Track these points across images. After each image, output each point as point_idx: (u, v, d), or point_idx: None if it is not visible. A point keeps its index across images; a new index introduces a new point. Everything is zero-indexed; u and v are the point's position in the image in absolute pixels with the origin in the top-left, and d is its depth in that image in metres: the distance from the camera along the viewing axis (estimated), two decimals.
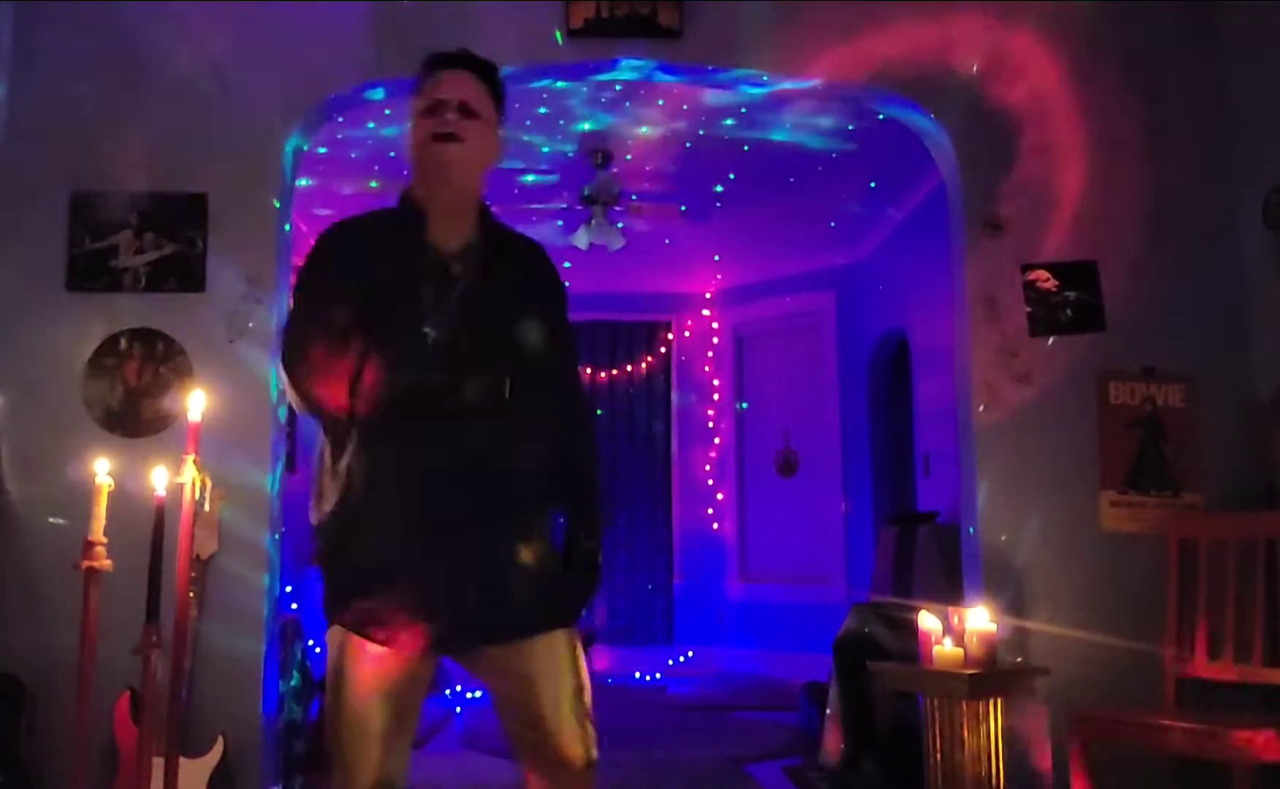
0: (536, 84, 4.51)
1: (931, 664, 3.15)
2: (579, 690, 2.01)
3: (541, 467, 2.06)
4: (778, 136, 5.65)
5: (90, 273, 3.64)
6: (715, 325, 8.72)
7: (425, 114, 2.01)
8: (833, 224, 7.13)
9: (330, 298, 1.93)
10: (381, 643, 1.92)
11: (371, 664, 1.93)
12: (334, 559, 1.99)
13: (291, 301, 2.09)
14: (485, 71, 2.08)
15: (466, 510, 1.94)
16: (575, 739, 1.99)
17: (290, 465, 4.82)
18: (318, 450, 2.04)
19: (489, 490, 1.96)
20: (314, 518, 2.02)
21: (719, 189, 6.41)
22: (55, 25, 3.76)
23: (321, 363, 1.92)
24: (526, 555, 2.00)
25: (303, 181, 5.50)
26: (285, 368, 1.98)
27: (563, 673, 2.00)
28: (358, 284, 1.94)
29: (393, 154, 5.78)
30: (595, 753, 2.02)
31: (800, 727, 5.69)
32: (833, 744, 4.72)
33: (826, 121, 5.41)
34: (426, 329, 1.95)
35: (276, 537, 3.72)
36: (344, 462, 1.95)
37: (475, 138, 2.01)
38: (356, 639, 1.94)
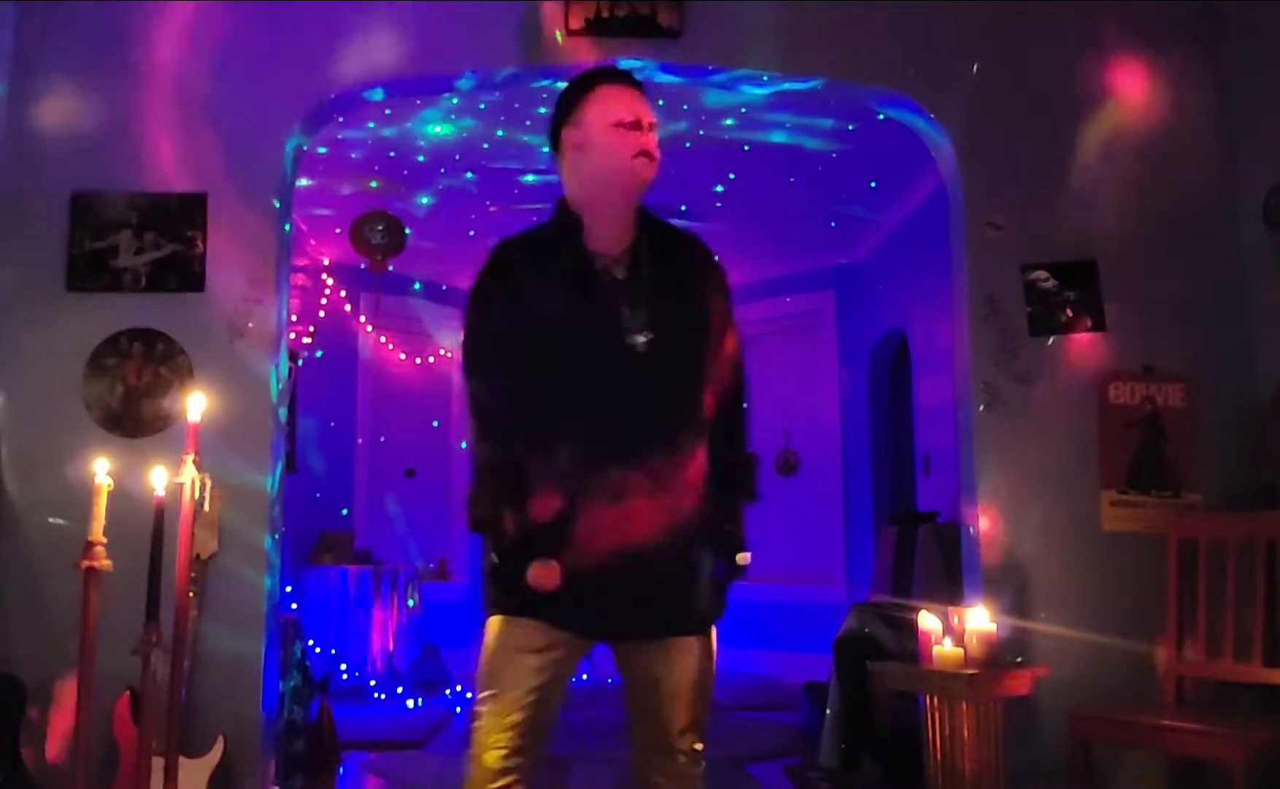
0: (536, 84, 4.52)
1: (931, 664, 3.15)
2: (704, 689, 2.11)
3: (706, 465, 2.10)
4: (778, 137, 5.65)
5: (90, 273, 3.64)
6: None
7: (630, 128, 2.05)
8: (833, 224, 7.13)
9: (499, 332, 2.06)
10: (558, 625, 2.02)
11: (529, 651, 2.03)
12: (522, 547, 2.04)
13: (465, 322, 2.16)
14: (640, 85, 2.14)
15: (645, 507, 1.99)
16: (687, 733, 2.09)
17: (290, 465, 4.82)
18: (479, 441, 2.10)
19: (665, 490, 2.01)
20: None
21: (719, 189, 6.42)
22: (55, 25, 3.76)
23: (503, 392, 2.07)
24: (690, 556, 2.07)
25: (303, 181, 5.51)
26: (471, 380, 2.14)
27: (692, 673, 2.09)
28: (525, 307, 2.03)
29: (392, 154, 5.79)
30: (701, 746, 2.12)
31: (800, 727, 5.68)
32: (832, 744, 4.72)
33: (826, 121, 5.41)
34: (626, 327, 2.01)
35: (276, 537, 3.72)
36: (538, 457, 2.02)
37: (657, 150, 2.08)
38: (520, 628, 2.03)
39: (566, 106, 2.13)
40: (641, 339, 2.01)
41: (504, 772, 2.00)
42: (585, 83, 2.12)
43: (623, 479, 1.99)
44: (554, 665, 2.05)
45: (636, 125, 2.06)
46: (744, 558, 2.18)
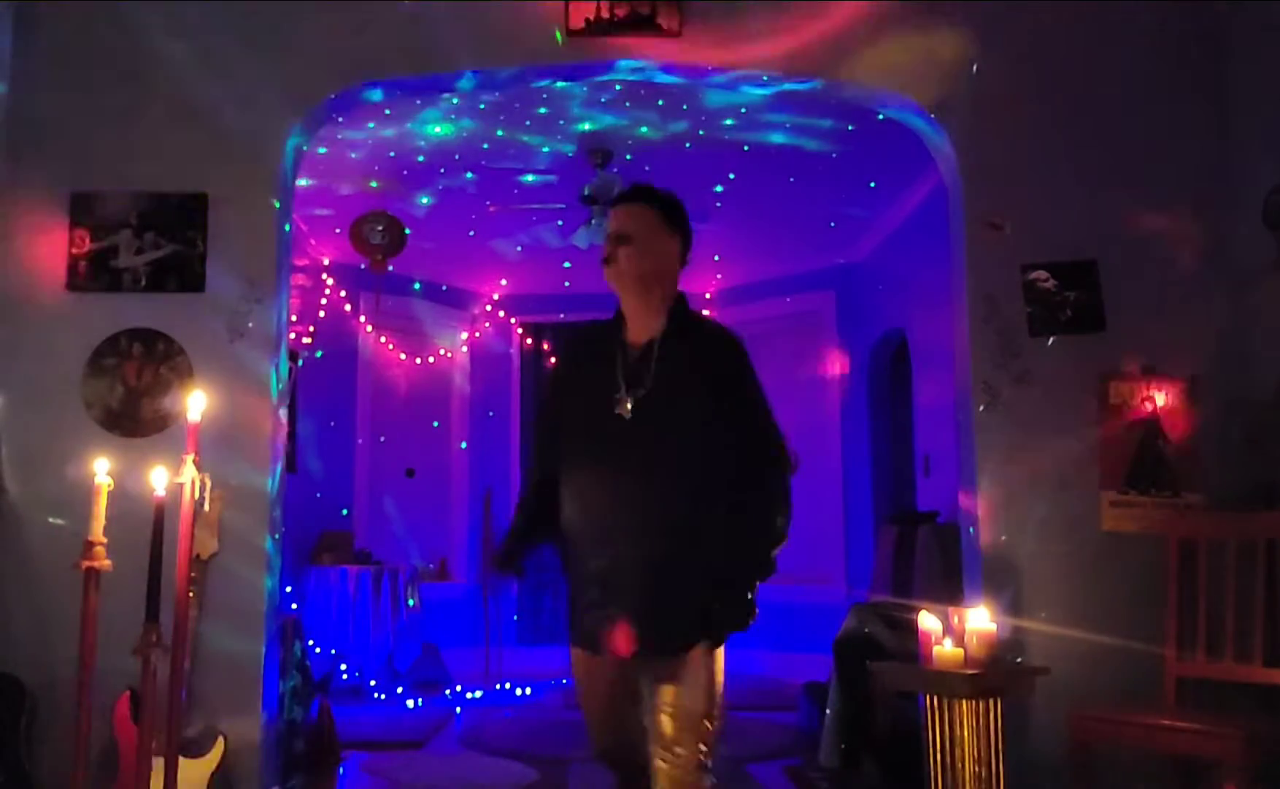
0: (536, 84, 4.51)
1: (931, 664, 3.15)
2: (689, 706, 2.44)
3: (707, 515, 2.47)
4: (778, 137, 5.65)
5: (90, 273, 3.65)
6: None
7: (606, 243, 2.59)
8: (833, 224, 7.13)
9: (549, 412, 2.71)
10: (587, 650, 2.54)
11: (586, 672, 2.60)
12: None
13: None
14: (642, 198, 2.62)
15: (639, 553, 2.43)
16: (673, 741, 2.42)
17: (290, 466, 4.82)
18: None
19: (658, 539, 2.43)
20: None
21: (719, 189, 6.41)
22: (55, 25, 3.76)
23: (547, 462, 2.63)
24: (678, 592, 2.44)
25: (303, 181, 5.50)
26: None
27: (687, 687, 2.45)
28: (568, 384, 2.66)
29: (392, 154, 5.79)
30: (697, 753, 2.43)
31: (800, 727, 5.69)
32: (832, 744, 4.72)
33: (826, 121, 5.41)
34: (618, 412, 2.48)
35: (276, 537, 3.71)
36: (563, 514, 2.55)
37: (626, 258, 2.54)
38: (577, 652, 2.58)
39: None
40: (629, 409, 2.46)
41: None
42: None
43: (610, 518, 2.45)
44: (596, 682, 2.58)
45: (607, 241, 2.58)
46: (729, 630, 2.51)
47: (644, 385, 2.48)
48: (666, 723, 2.42)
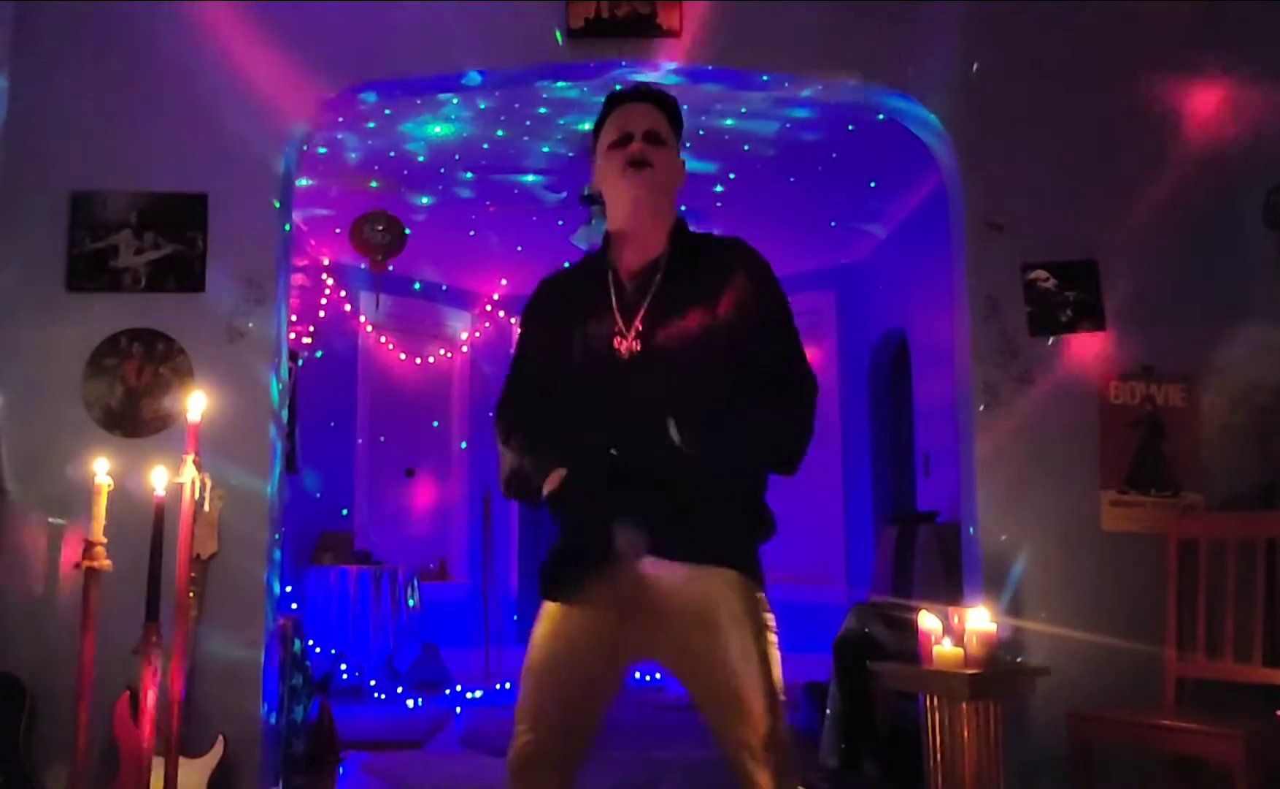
0: (536, 84, 4.51)
1: (931, 664, 3.15)
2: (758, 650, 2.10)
3: (724, 444, 2.20)
4: (777, 137, 5.64)
5: (90, 273, 3.64)
6: None
7: (618, 146, 2.16)
8: (833, 224, 7.13)
9: (531, 366, 2.25)
10: (566, 604, 2.11)
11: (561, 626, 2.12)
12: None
13: (514, 353, 2.33)
14: (663, 101, 2.24)
15: (639, 490, 2.07)
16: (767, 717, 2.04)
17: (290, 466, 4.82)
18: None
19: (661, 478, 2.07)
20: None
21: (719, 189, 6.41)
22: (55, 24, 3.76)
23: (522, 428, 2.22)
24: (684, 531, 2.11)
25: (303, 181, 5.51)
26: (497, 426, 2.27)
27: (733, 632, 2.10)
28: (556, 332, 2.19)
29: (392, 154, 5.79)
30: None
31: (800, 727, 5.68)
32: (832, 744, 4.72)
33: (826, 122, 5.41)
34: (615, 346, 2.12)
35: (276, 537, 3.71)
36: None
37: (663, 163, 2.17)
38: (549, 606, 2.13)
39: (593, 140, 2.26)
40: (625, 348, 2.12)
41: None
42: (600, 115, 2.25)
43: (618, 470, 2.08)
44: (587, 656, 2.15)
45: (625, 140, 2.16)
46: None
47: (647, 315, 2.14)
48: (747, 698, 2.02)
